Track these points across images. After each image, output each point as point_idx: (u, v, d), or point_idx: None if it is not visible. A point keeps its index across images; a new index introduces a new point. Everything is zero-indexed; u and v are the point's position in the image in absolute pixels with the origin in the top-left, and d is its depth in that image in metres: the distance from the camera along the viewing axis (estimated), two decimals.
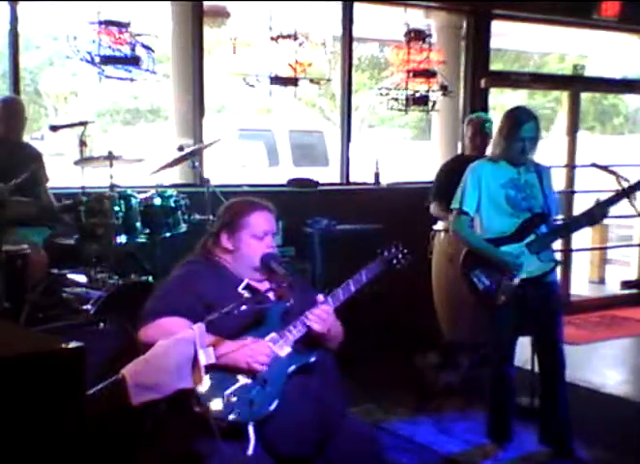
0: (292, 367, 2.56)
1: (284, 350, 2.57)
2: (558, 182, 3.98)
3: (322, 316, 2.63)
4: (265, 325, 2.61)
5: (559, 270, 3.91)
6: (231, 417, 2.41)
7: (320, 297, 2.71)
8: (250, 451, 2.38)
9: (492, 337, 3.87)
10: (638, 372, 5.63)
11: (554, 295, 3.83)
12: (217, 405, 2.40)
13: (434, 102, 6.11)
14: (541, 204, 3.74)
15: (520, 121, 3.67)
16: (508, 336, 3.81)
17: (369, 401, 4.46)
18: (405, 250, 3.03)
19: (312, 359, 2.60)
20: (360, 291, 2.84)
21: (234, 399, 2.44)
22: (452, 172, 5.03)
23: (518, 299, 3.69)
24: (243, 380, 2.47)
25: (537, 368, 3.94)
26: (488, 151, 5.01)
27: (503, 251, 3.69)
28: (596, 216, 3.74)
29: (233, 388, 2.45)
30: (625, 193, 3.65)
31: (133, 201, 4.28)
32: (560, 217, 3.98)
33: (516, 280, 3.67)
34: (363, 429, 2.73)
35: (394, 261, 3.00)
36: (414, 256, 3.06)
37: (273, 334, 2.58)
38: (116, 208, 4.15)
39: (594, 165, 4.01)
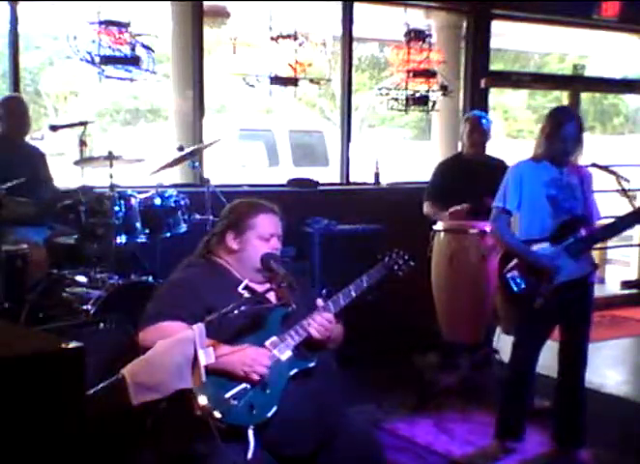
0: (293, 372, 2.55)
1: (285, 354, 2.56)
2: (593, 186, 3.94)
3: (324, 325, 2.63)
4: (266, 328, 2.60)
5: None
6: (231, 420, 2.40)
7: (321, 302, 2.71)
8: (250, 456, 2.38)
9: (522, 339, 3.82)
10: (638, 372, 5.64)
11: (589, 298, 3.79)
12: (217, 408, 2.39)
13: (434, 102, 6.11)
14: (582, 207, 3.69)
15: (562, 121, 3.63)
16: (539, 340, 3.77)
17: (369, 401, 4.46)
18: (407, 257, 3.02)
19: (313, 364, 2.59)
20: (361, 296, 2.84)
21: (234, 402, 2.43)
22: (449, 172, 5.03)
23: (554, 303, 3.64)
24: (243, 383, 2.47)
25: (543, 370, 3.93)
26: (488, 150, 5.03)
27: (541, 254, 3.63)
28: (632, 222, 3.72)
29: (233, 391, 2.44)
30: None
31: (133, 201, 4.28)
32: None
33: (554, 284, 3.61)
34: (363, 429, 2.72)
35: (396, 267, 3.00)
36: (416, 262, 3.06)
37: (274, 338, 2.57)
38: (116, 208, 4.15)
39: (594, 165, 3.99)
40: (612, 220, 3.81)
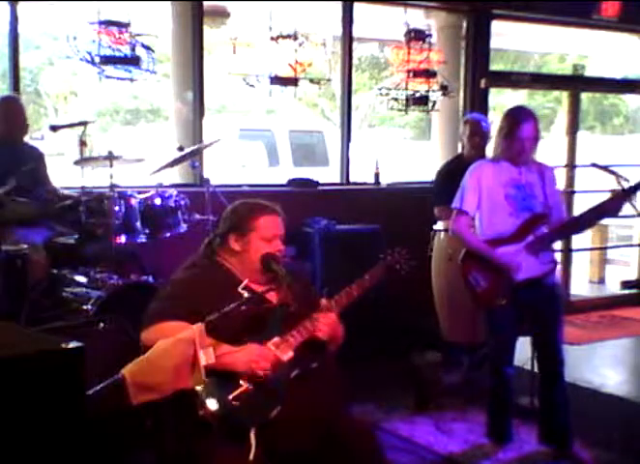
0: (294, 372, 2.55)
1: (287, 354, 2.55)
2: (558, 182, 3.96)
3: (329, 324, 2.63)
4: (267, 329, 2.60)
5: (559, 270, 3.89)
6: (233, 421, 2.40)
7: (324, 302, 2.71)
8: (252, 457, 2.38)
9: (490, 338, 3.87)
10: (638, 372, 5.64)
11: (554, 296, 3.81)
12: (219, 409, 2.39)
13: (434, 102, 6.10)
14: (542, 204, 3.73)
15: (519, 120, 3.66)
16: (506, 337, 3.81)
17: (369, 401, 4.46)
18: (408, 256, 3.03)
19: (315, 364, 2.59)
20: (362, 296, 2.84)
21: (236, 403, 2.43)
22: (452, 174, 5.03)
23: (517, 300, 3.68)
24: (245, 384, 2.47)
25: (536, 368, 3.94)
26: (487, 151, 5.03)
27: (501, 253, 3.68)
28: (592, 218, 3.73)
29: (235, 392, 2.44)
30: (626, 194, 3.62)
31: (133, 201, 4.28)
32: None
33: (515, 282, 3.65)
34: (363, 429, 2.73)
35: (397, 266, 3.00)
36: (413, 255, 3.06)
37: (275, 339, 2.57)
38: (116, 208, 4.15)
39: (594, 165, 4.00)
40: (572, 217, 3.82)
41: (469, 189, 3.76)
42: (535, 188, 3.73)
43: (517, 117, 3.69)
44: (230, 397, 2.43)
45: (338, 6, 6.10)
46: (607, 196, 3.67)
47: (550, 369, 3.78)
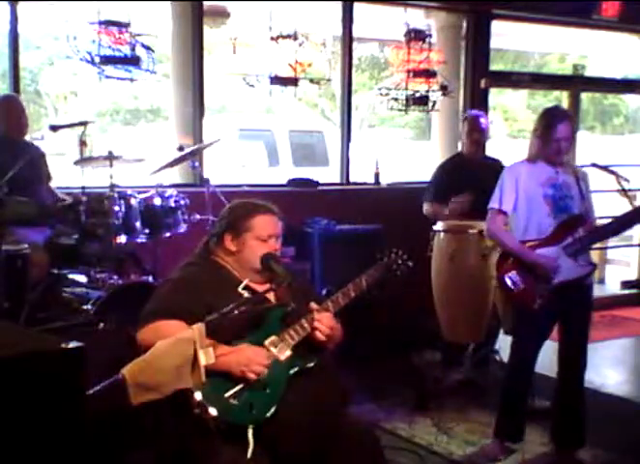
0: (292, 371, 2.55)
1: (284, 353, 2.56)
2: (590, 186, 3.93)
3: (325, 323, 2.63)
4: (265, 328, 2.60)
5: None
6: (230, 420, 2.40)
7: (314, 305, 2.70)
8: (249, 455, 2.38)
9: (519, 339, 3.83)
10: (638, 372, 5.64)
11: (589, 298, 3.79)
12: (216, 408, 2.39)
13: (434, 102, 6.10)
14: (579, 206, 3.69)
15: (554, 121, 3.64)
16: (536, 340, 3.76)
17: (369, 401, 4.46)
18: (405, 256, 3.02)
19: (312, 363, 2.59)
20: (360, 296, 2.84)
21: (234, 402, 2.43)
22: (451, 171, 5.04)
23: (554, 303, 3.63)
24: (242, 383, 2.47)
25: (541, 370, 3.93)
26: (487, 149, 5.04)
27: (539, 255, 3.62)
28: (633, 221, 3.72)
29: (233, 391, 2.44)
30: None
31: (133, 201, 4.28)
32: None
33: (553, 284, 3.61)
34: (363, 429, 2.73)
35: (394, 267, 2.99)
36: (414, 263, 3.05)
37: (273, 338, 2.57)
38: (116, 208, 4.15)
39: (594, 165, 3.99)
40: (611, 220, 3.81)
41: (507, 189, 3.71)
42: (572, 188, 3.70)
43: (553, 117, 3.67)
44: (227, 396, 2.43)
45: (338, 6, 6.10)
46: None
47: (573, 372, 3.78)
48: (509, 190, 3.70)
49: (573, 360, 3.79)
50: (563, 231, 3.65)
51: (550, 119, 3.67)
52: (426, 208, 4.99)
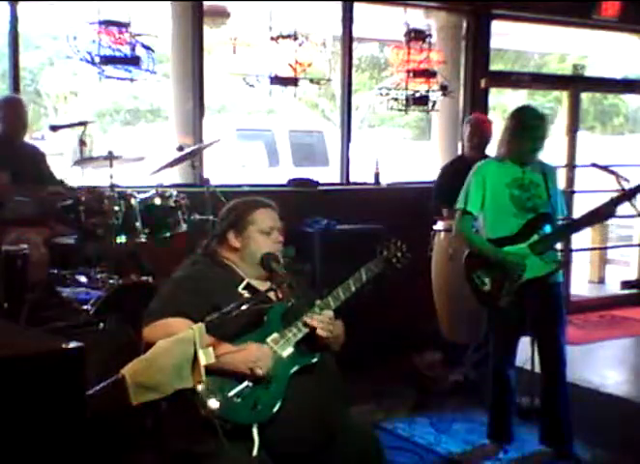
0: (295, 368, 2.56)
1: (286, 351, 2.57)
2: (558, 182, 3.95)
3: (326, 320, 2.63)
4: (266, 325, 2.61)
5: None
6: (235, 418, 2.41)
7: (316, 302, 2.71)
8: (255, 453, 2.38)
9: (493, 338, 3.86)
10: (638, 372, 5.63)
11: (557, 295, 3.81)
12: (221, 407, 2.39)
13: (434, 102, 6.10)
14: (546, 204, 3.71)
15: (526, 120, 3.65)
16: (509, 337, 3.80)
17: (369, 401, 4.46)
18: (405, 249, 3.02)
19: (315, 359, 2.60)
20: (360, 291, 2.84)
21: (238, 401, 2.44)
22: (454, 174, 5.03)
23: (521, 300, 3.67)
24: (246, 381, 2.47)
25: (537, 368, 3.94)
26: (488, 150, 5.03)
27: (506, 252, 3.67)
28: (600, 215, 3.73)
29: (237, 389, 2.45)
30: (631, 194, 3.61)
31: (133, 201, 4.28)
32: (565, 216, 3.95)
33: (520, 282, 3.64)
34: (363, 429, 2.73)
35: (394, 260, 2.99)
36: (413, 255, 3.06)
37: (274, 335, 2.58)
38: (116, 208, 4.15)
39: (594, 165, 4.00)
40: (574, 218, 3.83)
41: (473, 190, 3.74)
42: (538, 187, 3.72)
43: (524, 117, 3.68)
44: (231, 394, 2.43)
45: (338, 6, 6.10)
46: (608, 198, 3.66)
47: (552, 369, 3.78)
48: (475, 191, 3.73)
49: (549, 357, 3.79)
50: (529, 229, 3.68)
51: (522, 118, 3.67)
52: (444, 211, 4.95)
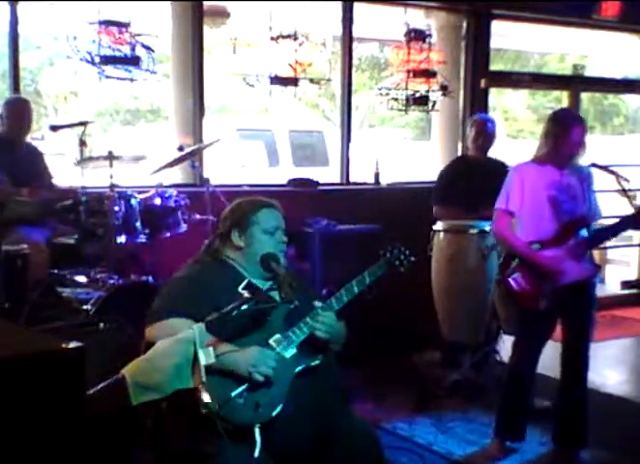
0: (297, 369, 2.56)
1: (289, 352, 2.56)
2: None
3: (328, 322, 2.63)
4: (269, 326, 2.60)
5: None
6: (237, 419, 2.41)
7: (318, 303, 2.71)
8: (257, 454, 2.38)
9: (520, 339, 3.82)
10: (638, 372, 5.64)
11: (591, 298, 3.80)
12: (222, 407, 2.39)
13: (434, 102, 6.10)
14: (583, 207, 3.69)
15: (568, 125, 3.63)
16: (538, 340, 3.77)
17: (369, 401, 4.46)
18: (408, 252, 3.03)
19: (317, 361, 2.60)
20: (362, 293, 2.84)
21: (240, 401, 2.43)
22: (457, 174, 5.02)
23: (557, 304, 3.64)
24: (248, 383, 2.47)
25: (538, 368, 3.93)
26: (491, 152, 5.03)
27: (545, 256, 3.63)
28: (627, 228, 3.72)
29: (238, 390, 2.45)
30: None
31: (133, 201, 4.28)
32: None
33: (557, 286, 3.61)
34: (363, 429, 2.73)
35: (397, 263, 2.99)
36: (417, 258, 3.05)
37: (277, 336, 2.57)
38: (116, 208, 4.15)
39: (594, 165, 3.99)
40: (613, 222, 3.81)
41: (514, 190, 3.70)
42: (575, 190, 3.70)
43: (566, 121, 3.66)
44: (233, 395, 2.43)
45: (338, 6, 6.10)
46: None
47: (576, 372, 3.78)
48: (515, 191, 3.70)
49: (576, 360, 3.80)
50: (566, 233, 3.66)
51: (564, 122, 3.65)
52: (437, 211, 4.94)
